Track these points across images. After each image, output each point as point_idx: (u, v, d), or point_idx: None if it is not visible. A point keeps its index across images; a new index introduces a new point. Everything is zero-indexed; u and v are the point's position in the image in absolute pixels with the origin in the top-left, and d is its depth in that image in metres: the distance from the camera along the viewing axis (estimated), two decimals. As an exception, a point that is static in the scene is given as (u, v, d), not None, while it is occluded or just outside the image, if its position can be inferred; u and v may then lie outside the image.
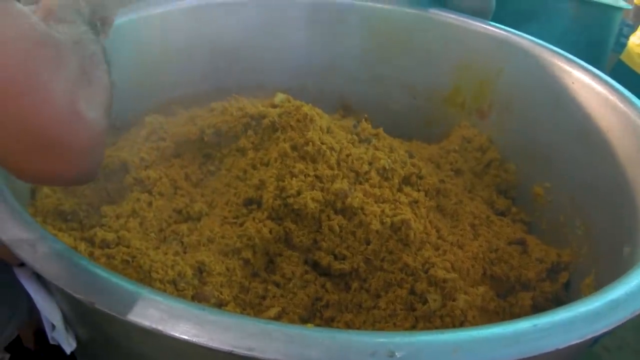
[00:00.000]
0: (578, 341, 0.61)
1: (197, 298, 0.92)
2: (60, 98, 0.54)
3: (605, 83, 1.20)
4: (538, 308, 1.12)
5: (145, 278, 0.92)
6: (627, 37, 2.55)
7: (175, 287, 0.92)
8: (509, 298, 1.12)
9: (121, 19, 1.29)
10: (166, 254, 0.97)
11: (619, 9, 2.00)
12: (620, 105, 1.15)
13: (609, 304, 0.66)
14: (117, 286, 0.61)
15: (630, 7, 2.26)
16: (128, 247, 0.97)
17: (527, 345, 0.59)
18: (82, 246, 0.96)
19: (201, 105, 1.38)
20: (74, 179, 0.64)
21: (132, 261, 0.94)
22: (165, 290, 0.90)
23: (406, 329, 0.96)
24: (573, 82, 1.25)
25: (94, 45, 0.70)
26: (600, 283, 1.05)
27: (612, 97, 1.17)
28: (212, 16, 1.46)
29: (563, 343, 0.60)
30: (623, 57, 2.37)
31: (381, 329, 0.96)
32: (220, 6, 1.47)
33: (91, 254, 0.96)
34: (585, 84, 1.23)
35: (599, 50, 2.03)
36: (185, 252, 0.99)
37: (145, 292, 0.59)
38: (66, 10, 0.79)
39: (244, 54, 1.52)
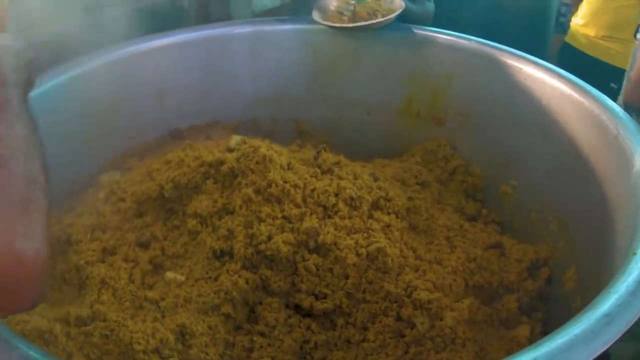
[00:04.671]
0: (580, 365, 0.61)
1: (184, 364, 0.89)
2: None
3: (558, 75, 1.21)
4: (524, 309, 1.11)
5: (127, 351, 0.89)
6: (565, 16, 2.60)
7: (159, 356, 0.89)
8: (495, 304, 1.11)
9: (63, 77, 1.26)
10: (144, 321, 0.95)
11: (557, -10, 2.03)
12: (575, 95, 1.16)
13: (603, 320, 0.65)
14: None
15: (566, -13, 2.30)
16: (104, 320, 0.94)
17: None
18: (58, 328, 0.92)
19: (156, 153, 1.36)
20: (17, 309, 0.62)
21: (112, 335, 0.91)
22: (150, 361, 0.88)
23: (399, 357, 0.95)
24: (525, 78, 1.26)
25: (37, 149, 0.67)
26: (582, 275, 1.05)
27: (566, 88, 1.18)
28: (154, 60, 1.43)
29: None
30: (568, 39, 2.41)
31: (374, 361, 0.95)
32: (162, 49, 1.43)
33: (68, 334, 0.93)
34: (537, 78, 1.24)
35: (542, 34, 2.05)
36: (163, 317, 0.96)
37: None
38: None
39: (192, 94, 1.49)
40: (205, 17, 1.68)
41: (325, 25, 1.47)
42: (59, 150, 1.21)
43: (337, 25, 1.46)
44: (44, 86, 1.22)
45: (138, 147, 1.41)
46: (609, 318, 0.66)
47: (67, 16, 1.35)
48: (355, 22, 1.44)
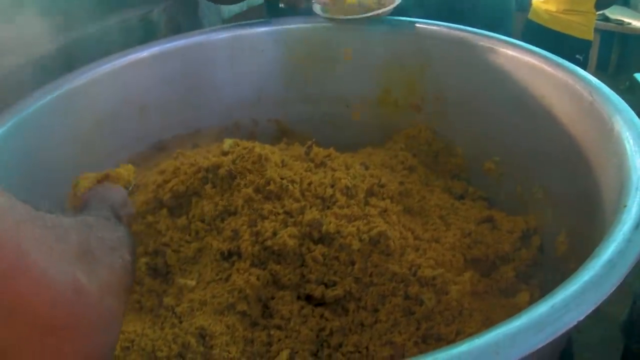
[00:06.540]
0: (593, 308, 0.65)
1: (208, 364, 0.91)
2: (59, 275, 0.49)
3: (529, 51, 1.25)
4: (521, 277, 1.16)
5: (151, 360, 0.91)
6: (524, -6, 2.69)
7: (183, 360, 0.91)
8: (493, 275, 1.16)
9: (48, 97, 1.26)
10: (163, 328, 0.97)
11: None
12: (548, 68, 1.20)
13: (607, 265, 0.70)
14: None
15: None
16: (123, 332, 0.96)
17: (553, 326, 0.62)
18: (77, 344, 0.94)
19: (144, 166, 1.37)
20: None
21: (133, 346, 0.93)
22: (174, 366, 0.90)
23: (411, 333, 0.98)
24: (498, 57, 1.30)
25: (109, 232, 0.67)
26: (574, 237, 1.10)
27: (539, 63, 1.23)
28: (135, 74, 1.44)
29: (581, 315, 0.64)
30: (530, 16, 2.49)
31: (388, 340, 0.98)
32: (142, 62, 1.45)
33: (88, 349, 0.94)
34: (509, 56, 1.28)
35: (504, 13, 2.10)
36: (181, 322, 0.98)
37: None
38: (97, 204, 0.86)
39: (173, 104, 1.51)
40: (175, 28, 1.69)
41: (329, 18, 1.50)
42: (46, 170, 1.23)
43: (343, 17, 1.49)
44: (28, 109, 1.22)
45: (124, 162, 1.41)
46: (611, 264, 0.70)
47: (41, 38, 1.36)
48: (365, 12, 1.48)
